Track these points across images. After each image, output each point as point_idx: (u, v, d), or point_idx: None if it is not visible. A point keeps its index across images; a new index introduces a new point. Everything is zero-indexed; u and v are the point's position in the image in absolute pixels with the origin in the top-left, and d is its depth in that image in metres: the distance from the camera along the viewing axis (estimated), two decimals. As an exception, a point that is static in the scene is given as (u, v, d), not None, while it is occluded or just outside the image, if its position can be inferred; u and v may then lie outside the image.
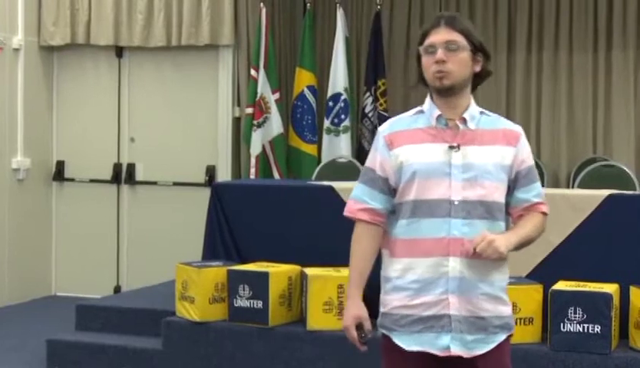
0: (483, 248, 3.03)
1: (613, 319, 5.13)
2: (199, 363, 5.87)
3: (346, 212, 3.29)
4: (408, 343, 3.16)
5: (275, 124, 8.41)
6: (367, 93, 8.64)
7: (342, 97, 8.52)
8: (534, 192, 3.24)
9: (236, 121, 8.63)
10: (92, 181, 9.05)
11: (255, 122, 8.31)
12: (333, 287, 5.61)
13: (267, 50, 8.37)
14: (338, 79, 8.55)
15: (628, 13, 8.59)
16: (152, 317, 6.22)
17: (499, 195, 3.15)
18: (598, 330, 5.11)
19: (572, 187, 7.95)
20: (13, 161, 8.69)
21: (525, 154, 3.24)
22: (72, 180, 9.12)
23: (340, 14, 8.68)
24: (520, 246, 3.18)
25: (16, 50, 8.71)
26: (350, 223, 3.29)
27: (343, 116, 8.51)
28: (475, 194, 3.11)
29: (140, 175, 8.95)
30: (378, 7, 8.76)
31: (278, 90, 8.46)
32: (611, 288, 5.20)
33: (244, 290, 5.78)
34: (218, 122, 8.62)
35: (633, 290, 5.24)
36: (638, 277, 5.32)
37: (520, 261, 5.57)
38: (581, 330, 5.13)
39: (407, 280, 3.15)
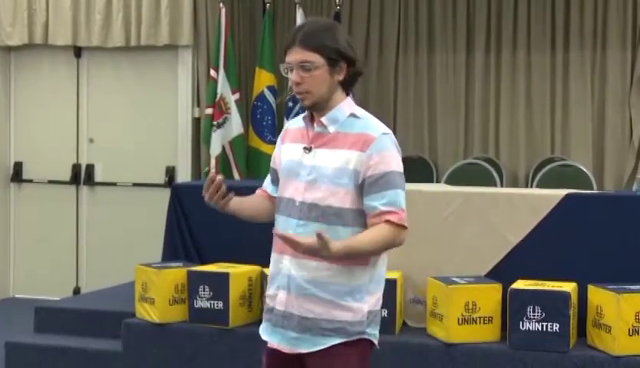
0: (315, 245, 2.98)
1: (571, 317, 5.17)
2: (160, 364, 5.85)
3: None
4: (262, 330, 3.36)
5: (234, 125, 8.39)
6: (328, 94, 8.62)
7: (302, 98, 8.51)
8: (384, 200, 3.11)
9: (196, 122, 8.61)
10: (50, 182, 8.99)
11: (214, 122, 8.28)
12: (293, 288, 5.61)
13: (226, 51, 8.35)
14: (298, 79, 8.53)
15: (585, 14, 8.67)
16: (111, 318, 6.18)
17: (336, 200, 3.13)
18: (557, 328, 5.15)
19: (531, 186, 8.01)
20: (-30, 162, 8.63)
21: (375, 160, 3.12)
22: (30, 181, 9.06)
23: (299, 14, 8.68)
24: (357, 256, 3.13)
25: (-27, 50, 8.65)
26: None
27: (303, 117, 8.50)
28: (312, 196, 3.16)
29: (99, 176, 8.91)
30: (338, 7, 8.76)
31: (237, 90, 8.45)
32: (569, 287, 5.25)
33: (204, 291, 5.77)
34: (178, 122, 8.59)
35: (591, 288, 5.28)
36: (595, 276, 5.36)
37: (479, 261, 5.63)
38: (540, 328, 5.16)
39: (270, 272, 3.35)
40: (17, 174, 9.06)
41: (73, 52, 8.88)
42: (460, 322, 5.30)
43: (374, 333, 3.24)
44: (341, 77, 3.22)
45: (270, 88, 8.51)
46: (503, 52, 8.89)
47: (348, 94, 3.28)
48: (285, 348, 3.21)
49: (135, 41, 8.57)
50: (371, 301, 3.23)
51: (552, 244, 5.56)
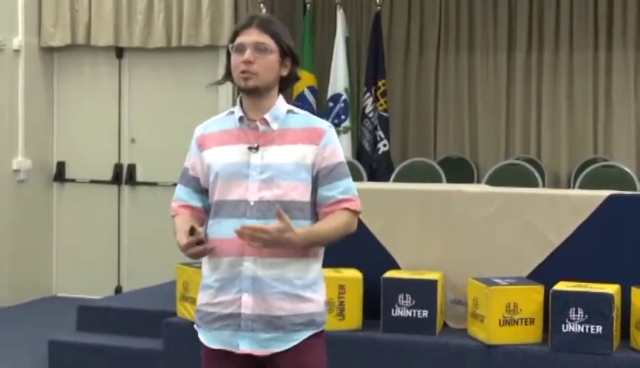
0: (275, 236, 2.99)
1: (614, 319, 5.13)
2: (200, 363, 5.83)
3: (171, 213, 3.37)
4: (210, 340, 3.24)
5: (275, 125, 8.39)
6: (368, 94, 8.64)
7: (342, 98, 8.52)
8: (339, 189, 3.18)
9: (236, 122, 8.62)
10: (92, 182, 9.05)
11: (255, 122, 8.29)
12: (334, 288, 5.60)
13: (267, 51, 8.36)
14: (338, 79, 8.55)
15: (628, 13, 8.61)
16: (152, 317, 6.21)
17: (298, 195, 3.14)
18: (600, 330, 5.11)
19: (573, 187, 7.95)
20: (14, 162, 8.70)
21: (328, 152, 3.18)
22: (73, 181, 9.13)
23: (340, 14, 8.69)
24: (318, 243, 3.17)
25: (16, 51, 8.72)
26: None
27: (343, 117, 8.51)
28: (271, 194, 3.11)
29: (140, 176, 8.96)
30: (378, 7, 8.76)
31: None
32: (612, 289, 5.20)
33: (245, 290, 5.77)
34: (218, 123, 8.61)
35: (634, 290, 5.23)
36: (638, 278, 5.31)
37: (521, 262, 5.59)
38: (582, 330, 5.12)
39: (212, 278, 3.22)
40: (59, 174, 9.14)
41: (114, 53, 8.94)
42: (501, 323, 5.28)
43: (326, 322, 3.29)
44: (285, 73, 3.22)
45: (310, 88, 8.53)
46: (544, 52, 8.84)
47: (279, 94, 3.26)
48: (257, 351, 3.15)
49: (176, 41, 8.61)
50: (324, 291, 3.27)
51: (595, 245, 5.51)
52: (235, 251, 3.14)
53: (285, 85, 3.27)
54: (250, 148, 3.17)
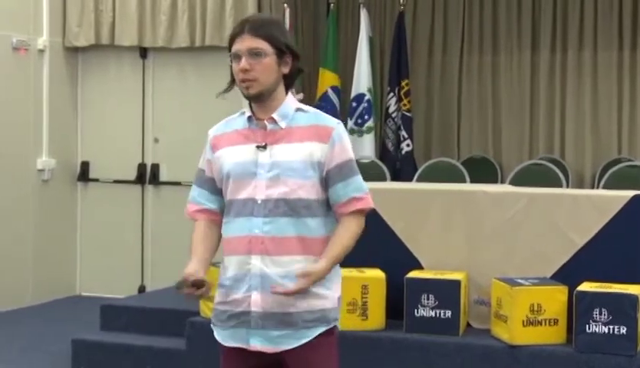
0: (302, 284, 3.08)
1: (639, 320, 5.10)
2: (223, 363, 5.87)
3: (186, 214, 3.38)
4: (225, 338, 3.25)
5: (298, 125, 8.39)
6: (391, 94, 8.63)
7: (366, 98, 8.52)
8: (352, 186, 3.19)
9: (260, 122, 8.62)
10: (116, 181, 9.09)
11: (278, 122, 8.30)
12: (357, 288, 5.61)
13: (290, 51, 8.36)
14: (362, 79, 8.54)
15: (653, 12, 8.56)
16: (176, 317, 6.24)
17: (305, 193, 3.15)
18: (624, 331, 5.08)
19: (597, 188, 7.92)
20: (38, 161, 8.75)
21: (337, 150, 3.18)
22: (96, 181, 9.16)
23: (363, 14, 8.68)
24: (341, 259, 3.20)
25: (41, 51, 8.77)
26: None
27: (366, 117, 8.51)
28: (278, 192, 3.13)
29: (163, 176, 8.98)
30: (402, 7, 8.75)
31: (301, 90, 8.46)
32: (636, 289, 5.17)
33: (268, 290, 5.78)
34: (241, 122, 8.63)
35: (659, 291, 5.21)
36: (663, 279, 5.29)
37: (545, 262, 5.57)
38: (606, 331, 5.10)
39: (224, 277, 3.25)
40: (83, 173, 9.18)
41: (138, 53, 8.97)
42: (525, 324, 5.26)
43: (339, 318, 3.29)
44: (286, 70, 3.22)
45: (334, 88, 8.53)
46: (568, 52, 8.80)
47: (287, 91, 3.27)
48: (269, 348, 3.16)
49: (200, 41, 8.63)
50: (338, 288, 3.27)
51: (620, 246, 5.48)
52: (243, 249, 3.16)
53: (290, 81, 3.28)
54: (258, 147, 3.19)
